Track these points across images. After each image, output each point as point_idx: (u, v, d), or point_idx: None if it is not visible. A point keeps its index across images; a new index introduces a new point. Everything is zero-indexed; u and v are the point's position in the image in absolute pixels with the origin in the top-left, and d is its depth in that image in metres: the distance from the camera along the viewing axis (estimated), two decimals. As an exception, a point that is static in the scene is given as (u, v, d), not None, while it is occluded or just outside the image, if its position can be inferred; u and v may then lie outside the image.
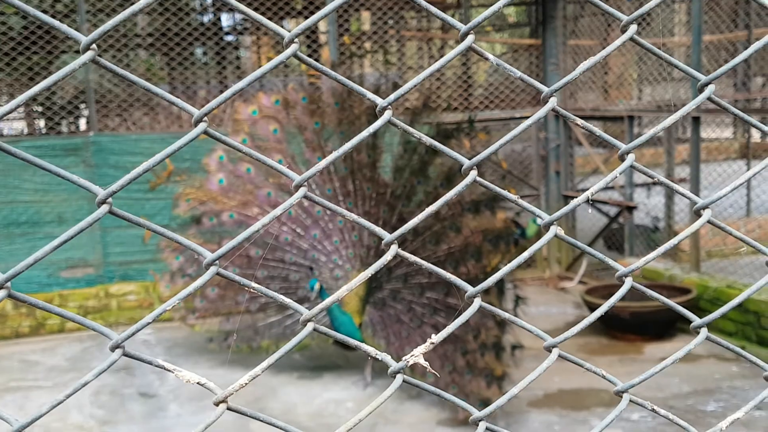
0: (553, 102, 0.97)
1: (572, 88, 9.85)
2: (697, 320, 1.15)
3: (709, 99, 1.09)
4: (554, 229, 0.99)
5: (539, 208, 7.07)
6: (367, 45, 10.74)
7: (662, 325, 7.41)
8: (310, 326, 0.86)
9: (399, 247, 0.94)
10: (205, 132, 0.83)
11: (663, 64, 10.16)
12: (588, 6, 9.92)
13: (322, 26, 10.61)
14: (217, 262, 0.84)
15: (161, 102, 9.02)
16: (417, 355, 0.86)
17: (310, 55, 10.17)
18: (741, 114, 1.15)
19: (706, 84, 1.10)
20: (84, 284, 8.52)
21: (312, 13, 9.49)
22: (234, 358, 7.11)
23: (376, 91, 7.04)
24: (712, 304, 7.54)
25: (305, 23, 0.84)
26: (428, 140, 0.93)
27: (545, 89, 0.97)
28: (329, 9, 0.86)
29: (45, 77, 8.56)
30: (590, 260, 9.34)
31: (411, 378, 0.90)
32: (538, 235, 9.10)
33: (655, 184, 10.29)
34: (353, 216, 0.91)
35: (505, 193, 0.98)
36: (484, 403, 5.94)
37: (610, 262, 1.10)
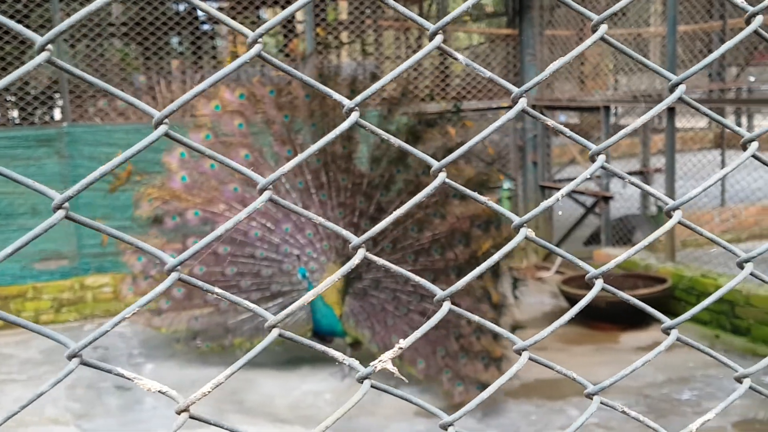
0: (522, 103, 0.96)
1: (549, 78, 9.84)
2: (667, 321, 1.15)
3: (681, 99, 1.09)
4: (524, 232, 0.98)
5: (517, 198, 7.07)
6: (345, 34, 10.70)
7: (637, 314, 7.46)
8: (275, 332, 0.85)
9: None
10: (167, 134, 0.81)
11: (639, 53, 10.19)
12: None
13: (299, 16, 10.54)
14: (178, 267, 0.82)
15: (135, 93, 8.93)
16: (385, 360, 0.85)
17: (286, 45, 10.11)
18: (712, 114, 1.15)
19: (677, 84, 1.09)
20: (59, 276, 8.44)
21: (289, 2, 9.42)
22: (207, 352, 6.96)
23: (353, 82, 7.00)
24: (687, 293, 7.61)
25: (268, 23, 0.82)
26: (397, 141, 0.91)
27: (515, 90, 0.96)
28: (293, 8, 0.85)
29: (17, 68, 8.46)
30: (567, 250, 9.38)
31: (379, 383, 0.89)
32: (509, 199, 9.23)
33: (632, 173, 10.35)
34: (320, 219, 0.90)
35: (475, 195, 0.97)
36: (483, 386, 5.99)
37: (579, 263, 1.10)
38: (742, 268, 1.19)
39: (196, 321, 6.86)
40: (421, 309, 6.50)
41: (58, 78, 8.49)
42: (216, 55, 10.03)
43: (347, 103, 0.87)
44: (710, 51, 9.80)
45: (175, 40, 10.19)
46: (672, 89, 1.09)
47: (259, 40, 0.81)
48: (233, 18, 10.34)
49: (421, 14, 12.92)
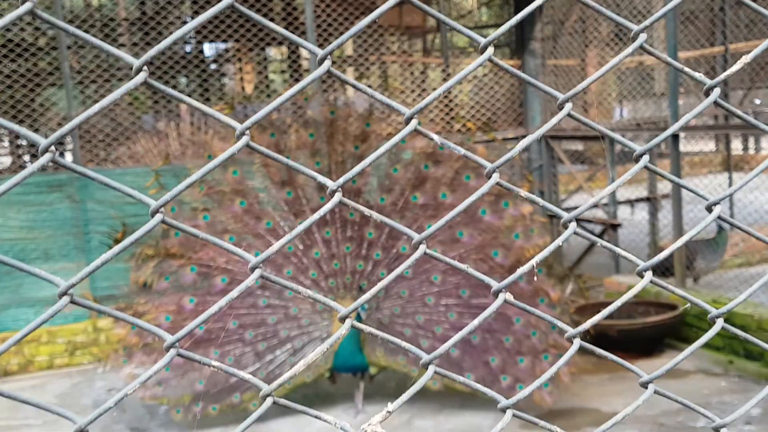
0: (495, 177, 1.01)
1: (553, 108, 9.93)
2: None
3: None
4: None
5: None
6: (350, 70, 10.82)
7: (650, 342, 7.44)
8: (269, 401, 0.89)
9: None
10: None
11: (642, 81, 10.26)
12: (566, 26, 10.05)
13: (305, 52, 10.68)
14: (177, 344, 0.86)
15: (144, 135, 9.06)
16: (374, 424, 0.89)
17: (297, 79, 10.24)
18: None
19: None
20: (72, 320, 8.49)
21: (293, 42, 9.55)
22: (215, 415, 6.50)
23: (370, 114, 7.04)
24: (699, 319, 7.59)
25: (254, 117, 0.89)
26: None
27: (488, 165, 1.01)
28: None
29: (28, 114, 8.60)
30: (573, 282, 9.37)
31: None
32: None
33: (639, 200, 10.35)
34: (308, 292, 0.94)
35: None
36: (550, 382, 6.16)
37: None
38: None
39: (200, 384, 6.41)
40: (461, 325, 6.45)
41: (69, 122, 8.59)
42: (223, 96, 10.16)
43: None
44: (713, 77, 9.86)
45: (183, 80, 10.35)
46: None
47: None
48: (239, 60, 10.48)
49: (424, 48, 13.05)
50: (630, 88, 10.02)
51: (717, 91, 1.16)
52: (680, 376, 6.87)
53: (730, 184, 10.49)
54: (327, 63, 0.90)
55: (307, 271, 6.71)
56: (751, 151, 16.71)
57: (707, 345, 7.47)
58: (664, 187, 9.71)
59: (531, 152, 9.82)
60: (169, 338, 0.85)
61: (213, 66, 10.66)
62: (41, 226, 8.27)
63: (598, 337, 7.14)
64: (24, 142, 9.37)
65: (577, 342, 1.09)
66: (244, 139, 0.87)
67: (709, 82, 1.15)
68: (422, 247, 0.93)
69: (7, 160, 10.62)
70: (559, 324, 1.12)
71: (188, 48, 10.33)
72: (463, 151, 0.95)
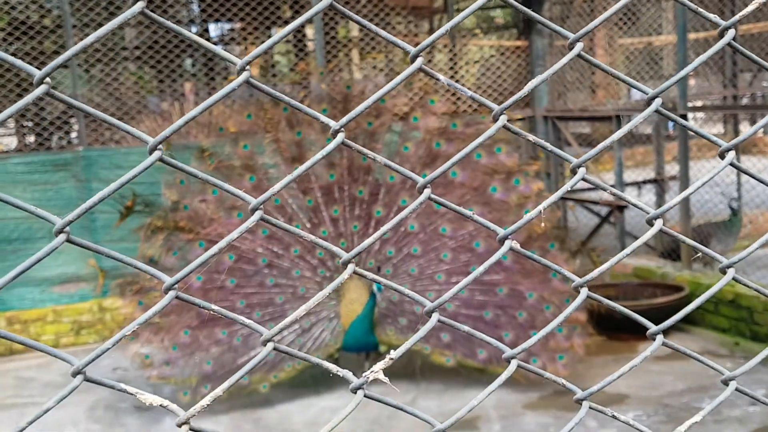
0: (503, 120, 0.99)
1: (561, 88, 9.87)
2: (653, 327, 1.19)
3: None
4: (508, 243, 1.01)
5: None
6: (355, 51, 10.77)
7: (655, 324, 7.41)
8: (270, 346, 0.88)
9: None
10: (161, 159, 0.84)
11: (651, 62, 10.19)
12: (574, 7, 9.98)
13: (310, 34, 10.63)
14: (176, 286, 0.85)
15: (149, 116, 9.05)
16: (377, 371, 0.88)
17: (296, 64, 10.20)
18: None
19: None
20: (78, 299, 8.51)
21: (298, 21, 9.50)
22: (224, 397, 6.56)
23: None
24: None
25: (256, 51, 0.86)
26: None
27: (495, 107, 0.99)
28: (279, 37, 0.88)
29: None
30: (583, 260, 9.34)
31: (372, 393, 0.91)
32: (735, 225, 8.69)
33: (647, 181, 10.32)
34: (310, 237, 0.93)
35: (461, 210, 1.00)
36: (564, 355, 6.29)
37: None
38: (724, 273, 1.23)
39: (207, 365, 6.35)
40: (471, 302, 6.45)
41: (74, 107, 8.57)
42: (227, 76, 10.13)
43: (333, 124, 0.90)
44: (722, 57, 9.79)
45: (188, 62, 10.31)
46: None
47: (246, 67, 0.85)
48: (244, 39, 10.44)
49: (431, 29, 12.98)
50: (638, 68, 9.95)
51: (732, 32, 1.13)
52: (685, 358, 6.84)
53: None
54: (246, 74, 0.87)
55: (314, 249, 6.66)
56: (760, 133, 16.62)
57: (713, 326, 7.45)
58: (671, 168, 9.66)
59: (538, 134, 9.77)
60: (168, 280, 0.83)
61: (218, 47, 10.60)
62: (46, 205, 8.27)
63: (603, 318, 7.12)
64: (28, 123, 9.36)
65: (584, 291, 1.07)
66: (245, 74, 0.85)
67: (723, 23, 1.13)
68: (427, 191, 0.92)
69: (11, 142, 10.61)
70: (566, 273, 1.11)
71: (194, 29, 10.30)
72: (469, 92, 0.93)
